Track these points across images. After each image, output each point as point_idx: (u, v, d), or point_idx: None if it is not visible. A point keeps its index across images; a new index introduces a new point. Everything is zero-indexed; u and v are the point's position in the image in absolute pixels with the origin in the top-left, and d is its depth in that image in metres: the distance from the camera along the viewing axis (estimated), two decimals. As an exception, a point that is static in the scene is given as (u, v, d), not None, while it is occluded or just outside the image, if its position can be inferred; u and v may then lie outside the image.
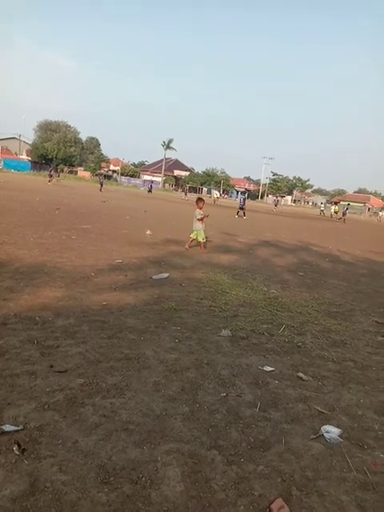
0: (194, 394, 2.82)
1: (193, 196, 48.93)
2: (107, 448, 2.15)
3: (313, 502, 1.93)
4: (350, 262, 10.68)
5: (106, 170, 79.14)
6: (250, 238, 13.19)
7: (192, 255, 8.48)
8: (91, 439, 2.20)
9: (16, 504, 1.73)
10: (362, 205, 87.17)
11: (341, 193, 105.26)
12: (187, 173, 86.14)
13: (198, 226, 9.30)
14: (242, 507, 1.86)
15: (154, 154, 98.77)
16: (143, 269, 6.59)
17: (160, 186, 74.84)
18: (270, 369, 3.35)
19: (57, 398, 2.56)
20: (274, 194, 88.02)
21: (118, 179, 75.77)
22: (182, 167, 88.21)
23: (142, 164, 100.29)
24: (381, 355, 3.97)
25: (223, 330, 4.10)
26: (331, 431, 2.51)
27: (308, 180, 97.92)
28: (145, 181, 74.31)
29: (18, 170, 57.04)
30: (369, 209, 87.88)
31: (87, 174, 69.90)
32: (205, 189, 77.91)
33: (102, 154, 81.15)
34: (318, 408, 2.81)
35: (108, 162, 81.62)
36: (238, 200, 27.46)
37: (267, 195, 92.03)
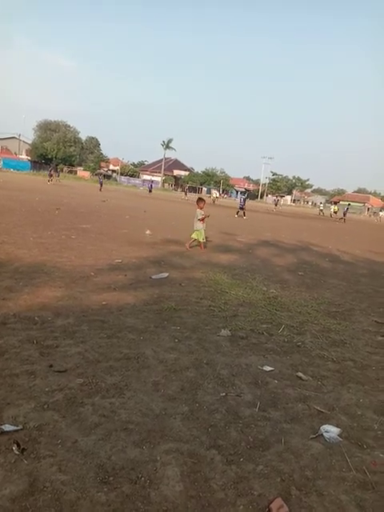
0: (193, 393, 2.82)
1: (193, 196, 48.96)
2: (107, 448, 2.15)
3: (312, 502, 1.93)
4: (349, 261, 10.68)
5: (106, 169, 79.14)
6: (250, 238, 13.19)
7: (192, 255, 8.48)
8: (91, 439, 2.20)
9: (15, 504, 1.73)
10: (361, 205, 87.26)
11: (340, 192, 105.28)
12: (187, 172, 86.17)
13: (199, 226, 9.31)
14: (241, 507, 1.86)
15: (153, 153, 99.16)
16: (143, 268, 6.59)
17: (159, 185, 74.82)
18: (269, 368, 3.35)
19: (56, 398, 2.56)
20: (273, 194, 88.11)
21: (118, 179, 75.79)
22: (182, 167, 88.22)
23: (141, 164, 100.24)
24: (380, 355, 3.97)
25: (223, 330, 4.10)
26: (331, 431, 2.51)
27: (307, 180, 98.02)
28: (144, 180, 74.35)
29: (18, 170, 57.08)
30: (368, 209, 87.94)
31: (87, 174, 69.90)
32: (204, 188, 77.93)
33: (101, 153, 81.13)
34: (318, 407, 2.81)
35: (108, 161, 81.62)
36: (239, 200, 27.47)
37: (267, 195, 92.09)
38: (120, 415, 2.45)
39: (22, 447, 2.05)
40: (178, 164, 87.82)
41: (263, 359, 3.55)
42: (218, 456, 2.19)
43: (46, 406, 2.45)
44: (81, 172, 71.52)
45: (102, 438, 2.23)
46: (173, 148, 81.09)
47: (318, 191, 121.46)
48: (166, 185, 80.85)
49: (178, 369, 3.16)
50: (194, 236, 9.33)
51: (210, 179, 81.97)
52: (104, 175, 63.18)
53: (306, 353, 3.81)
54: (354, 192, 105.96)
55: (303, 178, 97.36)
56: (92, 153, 79.21)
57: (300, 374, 3.29)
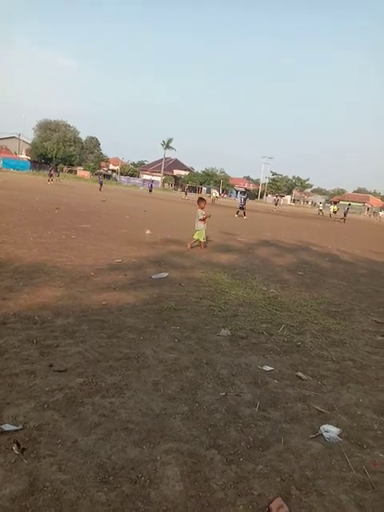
0: (193, 393, 2.82)
1: (193, 196, 48.97)
2: (107, 447, 2.15)
3: (312, 502, 1.93)
4: (349, 261, 10.68)
5: (106, 169, 79.09)
6: (250, 238, 13.19)
7: (191, 255, 8.48)
8: (91, 438, 2.20)
9: (15, 503, 1.73)
10: (361, 204, 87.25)
11: (340, 192, 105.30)
12: (187, 172, 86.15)
13: (200, 225, 9.32)
14: (241, 507, 1.86)
15: (153, 153, 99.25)
16: (143, 268, 6.59)
17: (159, 185, 74.80)
18: (269, 368, 3.35)
19: (56, 398, 2.56)
20: (273, 194, 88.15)
21: (118, 179, 75.76)
22: (182, 167, 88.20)
23: (141, 163, 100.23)
24: (380, 354, 3.97)
25: (222, 330, 4.10)
26: (330, 430, 2.51)
27: (307, 179, 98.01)
28: (144, 180, 74.33)
29: (18, 170, 57.03)
30: (368, 208, 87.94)
31: (87, 174, 69.86)
32: (204, 188, 77.91)
33: (101, 153, 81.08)
34: (318, 407, 2.81)
35: (107, 161, 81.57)
36: (239, 200, 27.47)
37: (267, 195, 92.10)
38: (120, 415, 2.46)
39: (21, 447, 2.05)
40: (177, 164, 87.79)
41: (263, 359, 3.55)
42: (218, 456, 2.19)
43: (45, 406, 2.45)
44: (81, 172, 71.48)
45: (102, 437, 2.23)
46: (173, 148, 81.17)
47: (318, 191, 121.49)
48: (166, 185, 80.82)
49: (177, 368, 3.16)
50: (195, 236, 9.33)
51: (210, 179, 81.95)
52: (104, 175, 63.15)
53: (306, 352, 3.81)
54: (354, 192, 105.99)
55: (303, 177, 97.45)
56: (92, 152, 79.16)
57: (300, 374, 3.30)
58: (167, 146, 79.63)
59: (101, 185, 38.21)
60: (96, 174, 67.20)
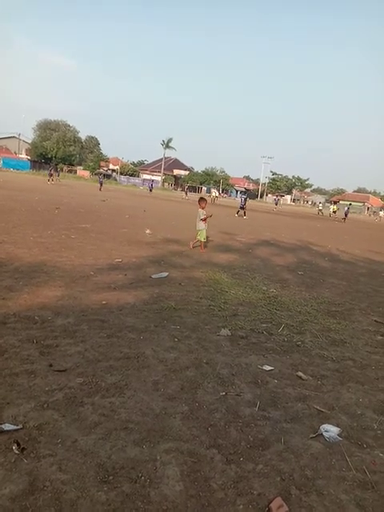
0: (193, 393, 2.82)
1: (193, 195, 48.96)
2: (106, 447, 2.15)
3: (312, 501, 1.93)
4: (349, 261, 10.68)
5: (106, 169, 79.03)
6: (250, 238, 13.19)
7: (191, 254, 8.47)
8: (91, 438, 2.20)
9: (15, 503, 1.73)
10: (361, 204, 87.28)
11: (340, 192, 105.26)
12: (186, 172, 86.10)
13: (201, 225, 9.31)
14: (241, 506, 1.86)
15: (153, 153, 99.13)
16: (143, 268, 6.59)
17: (159, 185, 74.77)
18: (269, 368, 3.35)
19: (56, 397, 2.56)
20: (273, 194, 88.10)
21: (118, 178, 75.71)
22: (182, 166, 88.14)
23: (141, 163, 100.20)
24: (380, 354, 3.98)
25: (222, 329, 4.10)
26: (330, 430, 2.51)
27: (307, 179, 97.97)
28: (144, 180, 74.27)
29: (18, 169, 57.01)
30: (368, 208, 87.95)
31: (86, 174, 69.81)
32: (204, 188, 77.89)
33: (101, 153, 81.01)
34: (318, 407, 2.81)
35: (107, 161, 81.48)
36: (239, 199, 27.49)
37: (266, 194, 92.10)
38: (120, 414, 2.46)
39: (21, 446, 2.05)
40: (177, 163, 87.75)
41: (263, 358, 3.55)
42: (218, 455, 2.19)
43: (45, 406, 2.45)
44: (80, 171, 71.42)
45: (101, 437, 2.23)
46: (173, 147, 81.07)
47: (318, 191, 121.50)
48: (166, 184, 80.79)
49: (177, 368, 3.16)
50: (198, 237, 9.32)
51: (210, 179, 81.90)
52: (104, 175, 63.06)
53: (306, 352, 3.81)
54: (354, 191, 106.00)
55: (303, 177, 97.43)
56: (92, 152, 79.09)
57: (300, 374, 3.30)
58: (167, 145, 79.58)
59: (101, 185, 38.17)
60: (96, 174, 67.13)
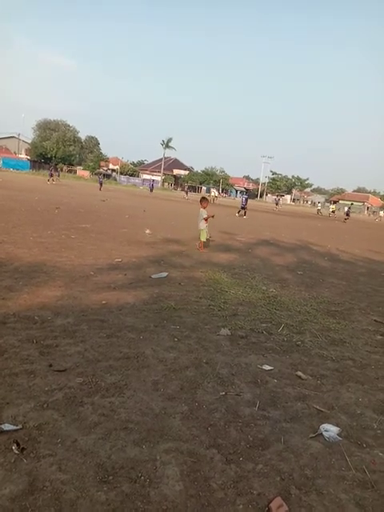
0: (193, 392, 2.82)
1: (193, 195, 48.96)
2: (106, 447, 2.15)
3: (312, 501, 1.93)
4: (348, 261, 10.68)
5: (106, 169, 79.02)
6: (250, 237, 13.19)
7: (191, 254, 8.48)
8: (90, 438, 2.20)
9: (15, 503, 1.73)
10: (360, 204, 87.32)
11: (340, 192, 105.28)
12: (186, 172, 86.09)
13: (203, 225, 9.31)
14: (240, 506, 1.86)
15: (153, 153, 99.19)
16: (142, 268, 6.59)
17: (159, 185, 74.76)
18: (269, 368, 3.35)
19: (56, 397, 2.56)
20: (273, 193, 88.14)
21: (118, 178, 75.69)
22: (181, 166, 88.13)
23: (141, 163, 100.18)
24: (380, 354, 3.98)
25: (222, 329, 4.10)
26: (330, 430, 2.51)
27: (307, 179, 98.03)
28: (144, 180, 74.26)
29: (17, 169, 57.00)
30: (368, 208, 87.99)
31: (86, 173, 69.80)
32: (204, 188, 77.89)
33: (101, 153, 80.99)
34: (317, 407, 2.81)
35: (107, 161, 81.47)
36: (240, 199, 27.51)
37: (266, 194, 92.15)
38: (120, 414, 2.46)
39: (21, 446, 2.05)
40: (177, 163, 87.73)
41: (263, 358, 3.55)
42: (218, 455, 2.19)
43: (45, 406, 2.45)
44: (80, 171, 71.42)
45: (101, 437, 2.23)
46: (172, 147, 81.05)
47: (318, 190, 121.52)
48: (166, 184, 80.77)
49: (177, 368, 3.16)
50: (200, 237, 9.32)
51: (210, 178, 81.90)
52: (104, 175, 63.05)
53: (306, 352, 3.81)
54: (354, 191, 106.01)
55: (303, 177, 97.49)
56: (91, 152, 79.08)
57: (299, 373, 3.30)
58: (167, 145, 79.56)
59: (101, 185, 38.18)
60: (96, 174, 67.11)
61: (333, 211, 44.47)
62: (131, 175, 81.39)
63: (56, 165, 59.52)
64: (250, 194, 79.17)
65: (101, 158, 78.23)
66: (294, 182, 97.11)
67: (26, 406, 2.42)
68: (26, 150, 74.95)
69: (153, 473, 2.00)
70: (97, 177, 54.24)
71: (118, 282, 5.51)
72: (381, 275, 8.93)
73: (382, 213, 60.45)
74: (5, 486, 1.81)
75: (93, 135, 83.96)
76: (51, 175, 37.17)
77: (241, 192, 74.30)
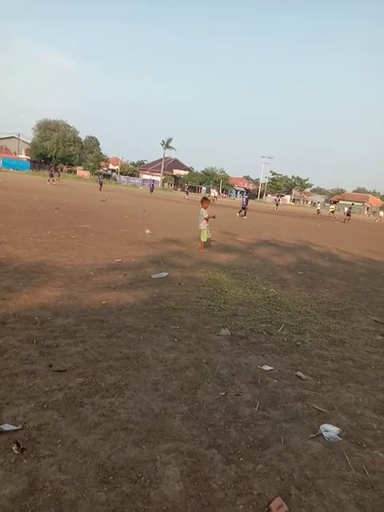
0: (193, 393, 2.82)
1: (193, 195, 48.98)
2: (106, 447, 2.15)
3: (312, 501, 1.93)
4: (348, 261, 10.68)
5: (105, 169, 79.04)
6: (250, 238, 13.19)
7: (191, 254, 8.47)
8: (90, 438, 2.20)
9: (15, 503, 1.73)
10: (360, 204, 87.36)
11: (340, 192, 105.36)
12: (186, 172, 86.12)
13: (203, 225, 9.31)
14: (241, 506, 1.86)
15: (153, 153, 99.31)
16: (142, 268, 6.59)
17: (159, 185, 74.77)
18: (269, 368, 3.35)
19: (56, 398, 2.56)
20: (273, 194, 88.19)
21: (117, 178, 75.70)
22: (181, 166, 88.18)
23: (141, 163, 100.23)
24: (380, 354, 3.98)
25: (222, 329, 4.10)
26: (330, 430, 2.51)
27: (307, 179, 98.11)
28: (144, 180, 74.27)
29: (17, 170, 57.01)
30: (368, 208, 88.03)
31: (86, 174, 69.82)
32: (204, 188, 77.93)
33: (101, 153, 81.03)
34: (317, 407, 2.81)
35: (107, 161, 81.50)
36: (242, 199, 27.55)
37: (266, 194, 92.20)
38: (120, 415, 2.46)
39: (21, 447, 2.05)
40: (177, 163, 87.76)
41: (263, 358, 3.55)
42: (218, 455, 2.19)
43: (45, 406, 2.45)
44: (80, 171, 71.43)
45: (101, 437, 2.23)
46: (172, 147, 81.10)
47: (318, 191, 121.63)
48: (166, 184, 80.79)
49: (177, 368, 3.16)
50: (202, 238, 9.31)
51: (210, 179, 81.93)
52: (104, 175, 63.05)
53: (306, 352, 3.81)
54: (354, 191, 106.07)
55: (303, 177, 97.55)
56: (91, 152, 79.12)
57: (299, 374, 3.30)
58: (167, 145, 79.59)
59: (101, 185, 38.19)
60: (96, 174, 67.13)
61: (332, 211, 44.51)
62: (131, 175, 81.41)
63: (56, 165, 59.49)
64: (250, 194, 79.19)
65: (101, 159, 78.26)
66: (294, 183, 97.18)
67: (26, 407, 2.42)
68: (25, 150, 74.96)
69: (153, 473, 2.00)
70: (97, 177, 54.25)
71: (117, 282, 5.51)
72: (381, 275, 8.93)
73: (382, 213, 60.41)
74: (5, 487, 1.81)
75: (93, 135, 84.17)
76: (51, 175, 37.16)
77: (241, 192, 74.31)
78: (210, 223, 9.56)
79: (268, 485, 2.01)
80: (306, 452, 2.31)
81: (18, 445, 2.05)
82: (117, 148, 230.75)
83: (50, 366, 2.95)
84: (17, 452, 2.02)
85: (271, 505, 1.85)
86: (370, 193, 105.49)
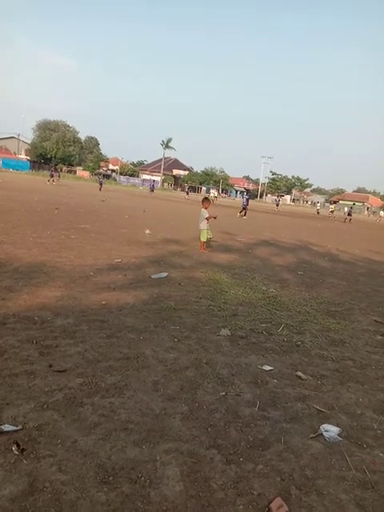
0: (193, 393, 2.82)
1: (193, 195, 48.99)
2: (106, 447, 2.15)
3: (312, 501, 1.93)
4: (348, 261, 10.68)
5: (105, 169, 79.06)
6: (249, 238, 13.20)
7: (191, 254, 8.47)
8: (90, 439, 2.20)
9: (15, 504, 1.73)
10: (360, 204, 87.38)
11: (340, 192, 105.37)
12: (186, 172, 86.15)
13: (204, 225, 9.31)
14: (241, 506, 1.86)
15: (153, 153, 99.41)
16: (142, 268, 6.59)
17: (159, 185, 74.77)
18: (269, 368, 3.35)
19: (56, 398, 2.55)
20: (273, 194, 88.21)
21: (117, 179, 75.72)
22: (181, 166, 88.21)
23: (141, 163, 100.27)
24: (380, 354, 3.98)
25: (222, 330, 4.10)
26: (330, 430, 2.51)
27: (307, 179, 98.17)
28: (144, 180, 74.29)
29: (17, 170, 57.02)
30: (368, 208, 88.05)
31: (86, 174, 69.85)
32: (203, 188, 77.95)
33: (101, 153, 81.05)
34: (317, 407, 2.81)
35: (107, 161, 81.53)
36: (242, 199, 27.58)
37: (266, 194, 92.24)
38: (120, 415, 2.45)
39: (21, 447, 2.05)
40: (177, 164, 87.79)
41: (263, 358, 3.55)
42: (218, 455, 2.19)
43: (45, 406, 2.45)
44: (80, 172, 71.47)
45: (101, 437, 2.23)
46: (172, 147, 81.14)
47: (318, 191, 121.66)
48: (166, 184, 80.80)
49: (177, 368, 3.16)
50: (202, 238, 9.30)
51: (210, 179, 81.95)
52: (103, 175, 63.06)
53: (306, 352, 3.81)
54: (354, 191, 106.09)
55: (303, 177, 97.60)
56: (91, 152, 79.13)
57: (299, 374, 3.30)
58: (167, 145, 79.61)
59: (101, 185, 38.20)
60: (95, 174, 67.16)
61: (331, 211, 44.53)
62: (131, 175, 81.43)
63: (56, 165, 59.52)
64: (250, 194, 79.18)
65: (101, 159, 78.29)
66: (294, 182, 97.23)
67: (26, 407, 2.42)
68: (25, 150, 74.98)
69: (153, 473, 2.00)
70: (96, 177, 54.27)
71: (117, 283, 5.51)
72: (381, 275, 8.93)
73: (382, 213, 60.38)
74: (5, 487, 1.81)
75: (93, 135, 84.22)
76: (52, 176, 37.18)
77: (241, 192, 74.36)
78: (210, 223, 9.56)
79: (268, 485, 2.01)
80: (306, 452, 2.31)
81: (18, 445, 2.05)
82: (117, 148, 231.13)
83: (50, 366, 2.95)
84: (17, 452, 2.02)
85: (271, 505, 1.85)
86: (370, 193, 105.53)
